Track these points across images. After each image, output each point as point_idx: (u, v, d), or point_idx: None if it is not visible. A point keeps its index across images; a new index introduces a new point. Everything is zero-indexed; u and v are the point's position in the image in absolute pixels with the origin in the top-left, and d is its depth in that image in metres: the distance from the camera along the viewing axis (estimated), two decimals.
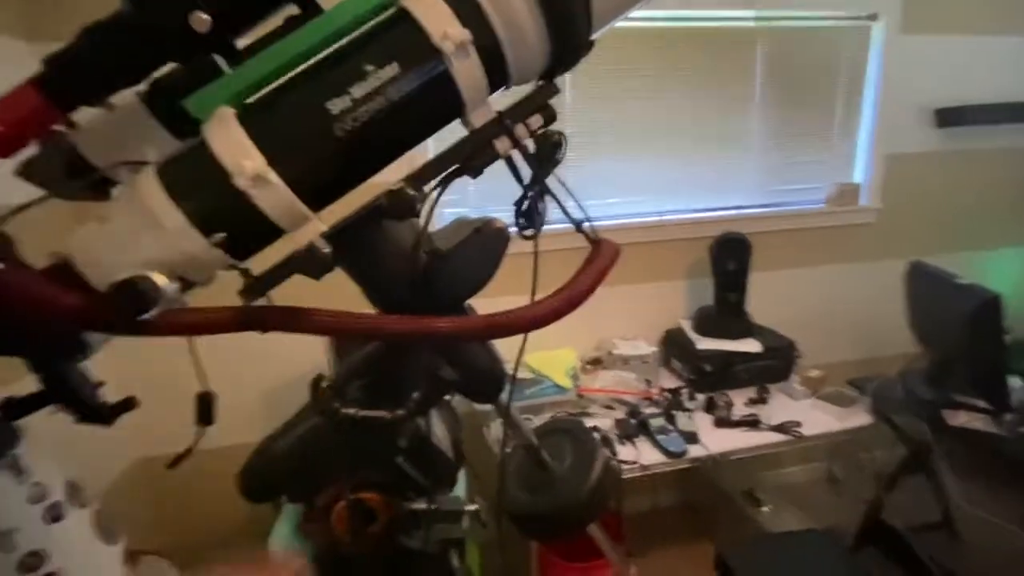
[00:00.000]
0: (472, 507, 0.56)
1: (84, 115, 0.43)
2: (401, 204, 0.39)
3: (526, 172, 0.46)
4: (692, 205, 1.97)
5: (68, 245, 0.39)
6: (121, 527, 0.65)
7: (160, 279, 0.36)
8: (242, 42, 0.41)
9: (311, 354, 1.73)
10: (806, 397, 1.73)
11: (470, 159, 0.43)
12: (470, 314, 0.51)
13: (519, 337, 0.46)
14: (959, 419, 1.58)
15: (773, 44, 1.89)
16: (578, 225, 0.47)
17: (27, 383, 0.49)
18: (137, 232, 0.38)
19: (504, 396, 0.55)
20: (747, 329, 1.83)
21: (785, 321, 1.90)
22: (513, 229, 0.49)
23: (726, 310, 1.85)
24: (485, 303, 0.50)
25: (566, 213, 0.47)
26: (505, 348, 0.56)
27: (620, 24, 0.47)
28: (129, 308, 0.35)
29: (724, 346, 1.77)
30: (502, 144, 0.43)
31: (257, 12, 0.39)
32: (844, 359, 2.14)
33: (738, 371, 1.76)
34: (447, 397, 0.58)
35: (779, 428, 1.57)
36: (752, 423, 1.59)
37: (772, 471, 2.14)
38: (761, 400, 1.71)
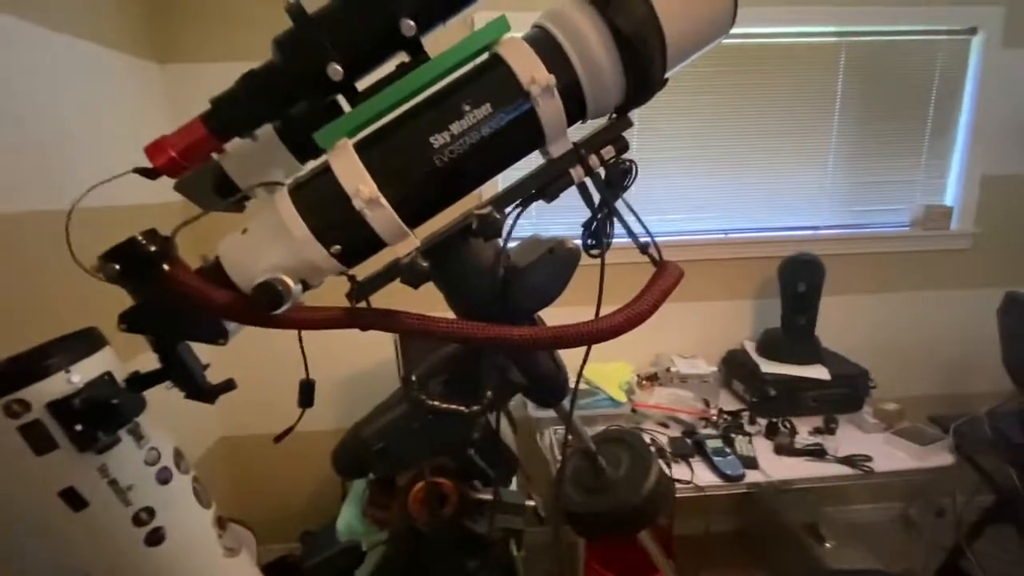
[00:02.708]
0: (531, 502, 0.60)
1: (229, 144, 0.52)
2: (489, 226, 0.45)
3: (596, 195, 0.51)
4: (762, 224, 1.92)
5: (217, 249, 0.48)
6: (211, 494, 0.74)
7: (289, 281, 0.44)
8: (360, 83, 0.48)
9: (375, 356, 1.85)
10: (879, 431, 1.63)
11: (547, 185, 0.48)
12: (539, 325, 0.56)
13: (582, 348, 0.51)
14: None
15: (858, 58, 1.82)
16: (643, 249, 0.50)
17: (143, 360, 0.57)
18: (271, 241, 0.46)
19: (566, 402, 0.59)
20: (816, 355, 1.76)
21: (859, 349, 1.81)
22: (578, 242, 0.54)
23: (794, 334, 1.79)
24: (553, 312, 0.55)
25: (632, 237, 0.51)
26: (568, 359, 0.61)
27: None
28: (266, 305, 0.43)
29: (790, 371, 1.71)
30: (576, 172, 0.48)
31: (376, 60, 0.46)
32: (924, 393, 2.00)
33: (804, 398, 1.69)
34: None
35: (846, 461, 1.49)
36: (817, 453, 1.52)
37: (838, 507, 2.02)
38: (828, 430, 1.63)
